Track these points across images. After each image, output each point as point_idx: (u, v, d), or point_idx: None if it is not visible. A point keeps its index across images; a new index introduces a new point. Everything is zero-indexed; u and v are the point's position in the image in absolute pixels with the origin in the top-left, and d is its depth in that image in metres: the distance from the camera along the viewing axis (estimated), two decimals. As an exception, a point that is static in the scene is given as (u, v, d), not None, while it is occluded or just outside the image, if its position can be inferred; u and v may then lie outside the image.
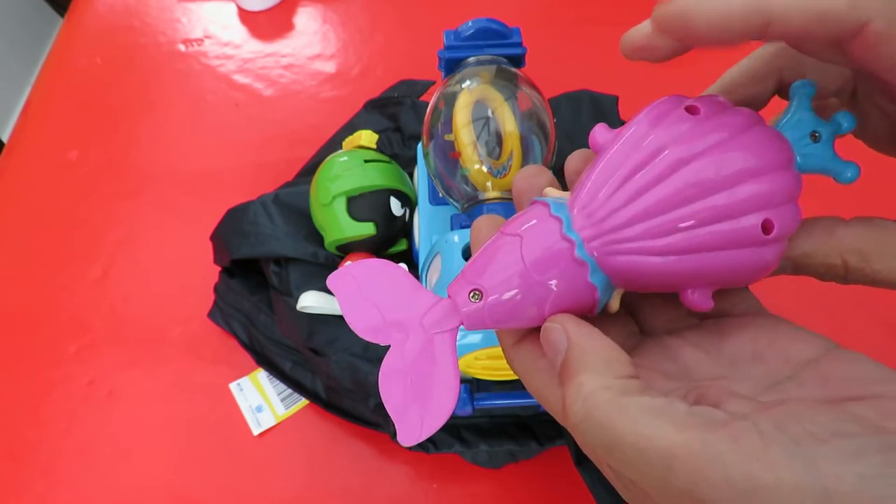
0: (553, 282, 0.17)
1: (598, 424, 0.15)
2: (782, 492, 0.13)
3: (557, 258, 0.17)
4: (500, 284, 0.18)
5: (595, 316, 0.19)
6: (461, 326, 0.18)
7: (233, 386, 0.44)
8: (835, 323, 0.43)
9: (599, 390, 0.15)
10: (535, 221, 0.18)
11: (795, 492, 0.13)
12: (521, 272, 0.17)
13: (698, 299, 0.18)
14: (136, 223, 0.52)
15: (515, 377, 0.31)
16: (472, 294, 0.18)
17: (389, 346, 0.18)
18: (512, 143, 0.31)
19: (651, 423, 0.14)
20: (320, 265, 0.42)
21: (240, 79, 0.60)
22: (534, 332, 0.19)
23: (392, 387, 0.18)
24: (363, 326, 0.18)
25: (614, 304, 0.19)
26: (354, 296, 0.18)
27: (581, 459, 0.37)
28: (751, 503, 0.13)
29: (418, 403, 0.17)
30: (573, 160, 0.20)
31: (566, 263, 0.17)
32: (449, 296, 0.18)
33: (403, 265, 0.19)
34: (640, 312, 0.21)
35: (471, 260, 0.19)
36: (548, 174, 0.21)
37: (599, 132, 0.18)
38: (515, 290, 0.17)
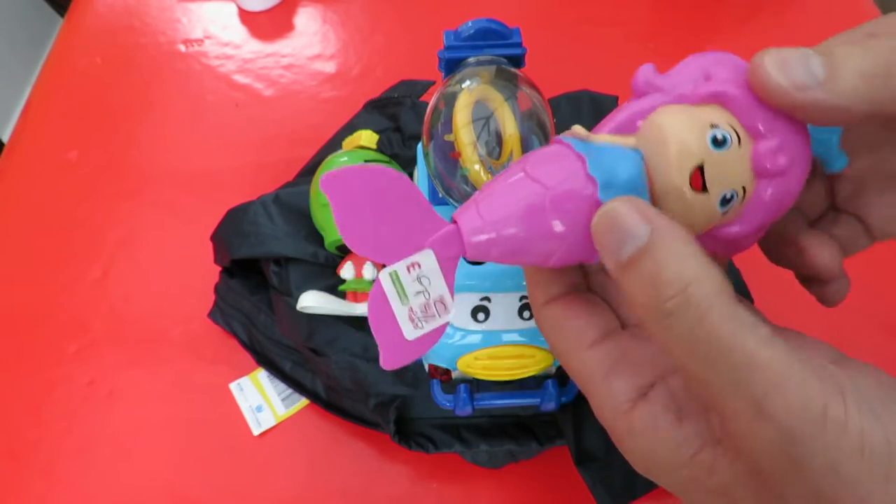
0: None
1: (695, 315, 0.15)
2: (851, 430, 0.14)
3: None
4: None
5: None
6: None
7: (233, 386, 0.44)
8: (834, 326, 0.43)
9: (704, 280, 0.15)
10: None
11: (863, 433, 0.14)
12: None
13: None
14: (136, 223, 0.52)
15: (515, 377, 0.31)
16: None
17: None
18: (512, 144, 0.31)
19: (741, 330, 0.14)
20: (320, 265, 0.42)
21: (240, 79, 0.60)
22: (564, 292, 0.19)
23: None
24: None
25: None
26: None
27: (581, 459, 0.37)
28: (814, 429, 0.14)
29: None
30: None
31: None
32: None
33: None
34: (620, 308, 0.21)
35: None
36: None
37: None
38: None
